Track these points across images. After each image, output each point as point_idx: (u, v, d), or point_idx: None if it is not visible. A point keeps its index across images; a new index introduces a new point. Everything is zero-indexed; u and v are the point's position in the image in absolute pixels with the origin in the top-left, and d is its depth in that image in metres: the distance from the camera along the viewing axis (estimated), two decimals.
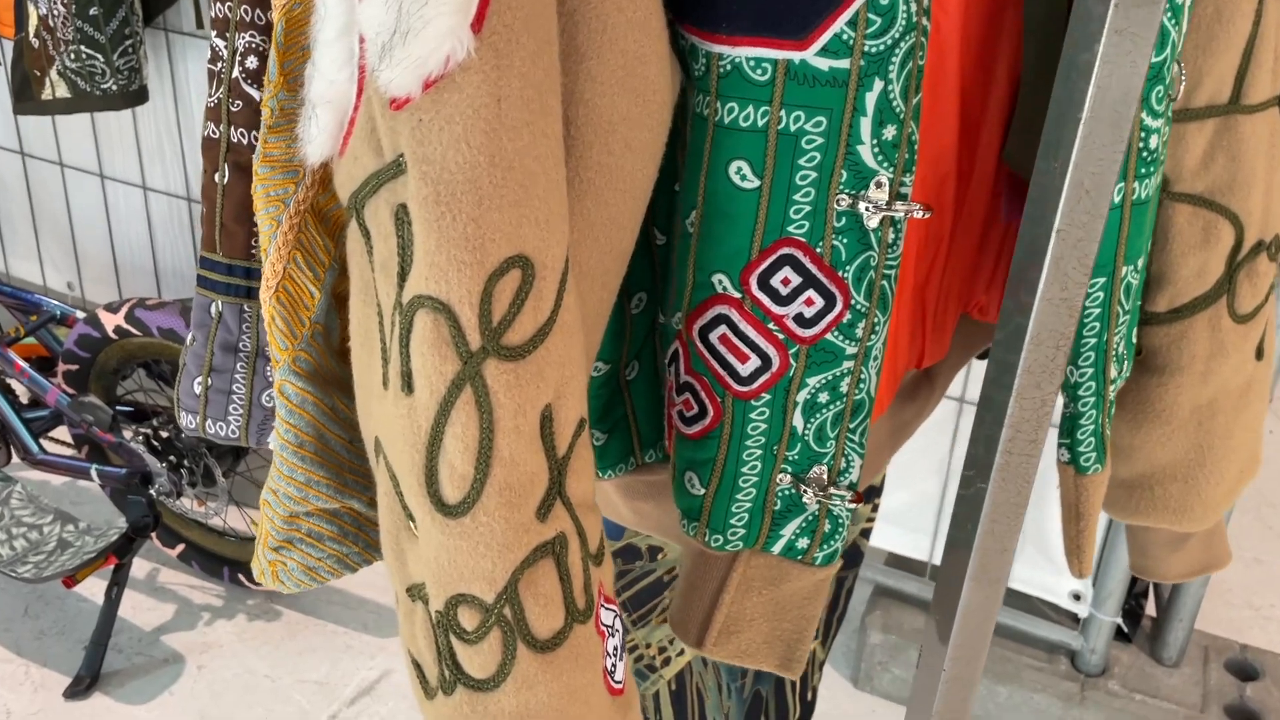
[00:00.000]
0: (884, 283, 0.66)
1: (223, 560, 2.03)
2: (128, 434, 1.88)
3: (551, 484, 0.58)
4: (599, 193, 0.60)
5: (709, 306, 0.67)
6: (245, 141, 0.89)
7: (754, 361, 0.67)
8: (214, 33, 0.88)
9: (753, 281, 0.66)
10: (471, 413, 0.55)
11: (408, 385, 0.56)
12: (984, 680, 1.81)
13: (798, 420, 0.69)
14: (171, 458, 1.83)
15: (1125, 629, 1.82)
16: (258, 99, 0.88)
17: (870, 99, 0.61)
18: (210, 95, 0.90)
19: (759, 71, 0.61)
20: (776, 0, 0.59)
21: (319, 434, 0.68)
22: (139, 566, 2.11)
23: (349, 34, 0.53)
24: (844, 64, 0.60)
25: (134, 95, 1.84)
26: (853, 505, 0.72)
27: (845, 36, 0.60)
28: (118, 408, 1.90)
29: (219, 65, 0.89)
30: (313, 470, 0.68)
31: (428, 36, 0.49)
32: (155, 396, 2.06)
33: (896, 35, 0.60)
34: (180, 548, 2.05)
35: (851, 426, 0.70)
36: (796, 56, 0.60)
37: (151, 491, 1.84)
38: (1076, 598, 1.76)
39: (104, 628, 1.87)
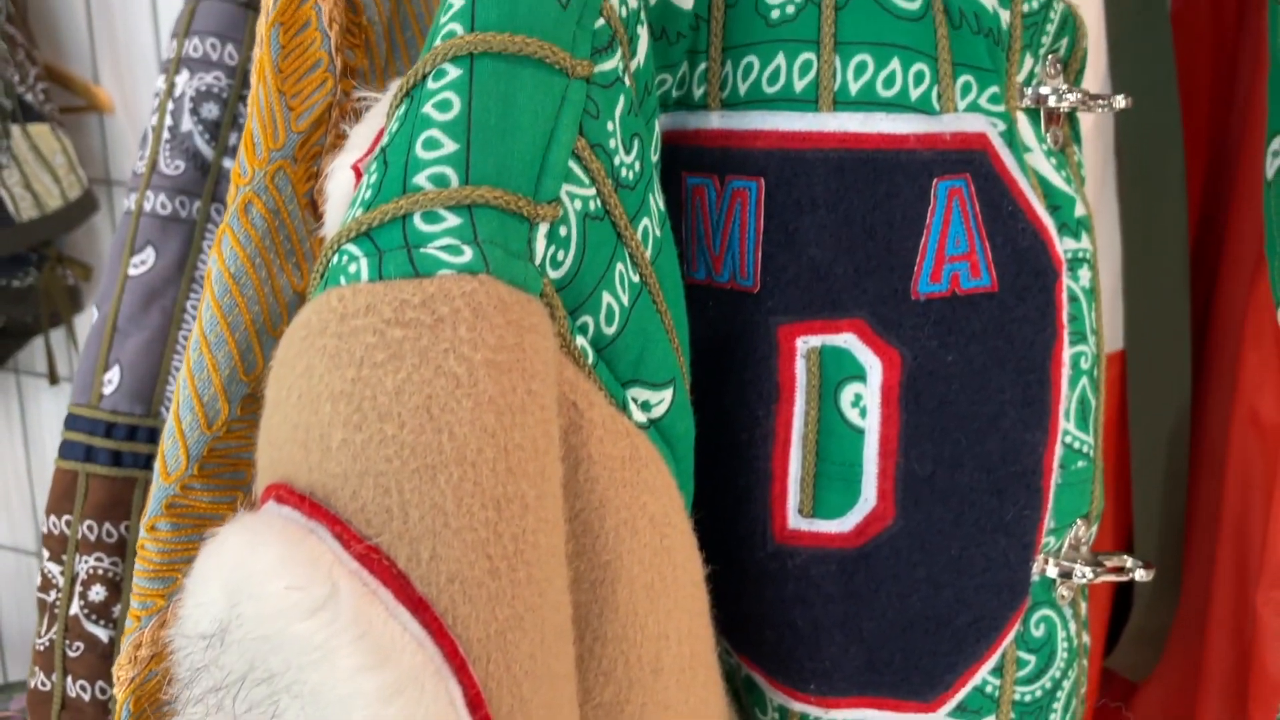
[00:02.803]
0: None
1: None
2: None
3: None
4: None
5: None
6: (88, 698, 0.65)
7: None
8: (46, 554, 0.66)
9: None
10: None
11: None
12: None
13: None
14: None
15: None
16: (105, 641, 0.65)
17: None
18: (39, 635, 0.67)
19: None
20: (891, 653, 0.40)
21: None
22: None
23: None
24: None
25: None
26: None
27: (989, 688, 0.41)
28: None
29: (52, 595, 0.66)
30: None
31: None
32: None
33: (1059, 671, 0.41)
34: None
35: None
36: None
37: None
38: None
39: None
